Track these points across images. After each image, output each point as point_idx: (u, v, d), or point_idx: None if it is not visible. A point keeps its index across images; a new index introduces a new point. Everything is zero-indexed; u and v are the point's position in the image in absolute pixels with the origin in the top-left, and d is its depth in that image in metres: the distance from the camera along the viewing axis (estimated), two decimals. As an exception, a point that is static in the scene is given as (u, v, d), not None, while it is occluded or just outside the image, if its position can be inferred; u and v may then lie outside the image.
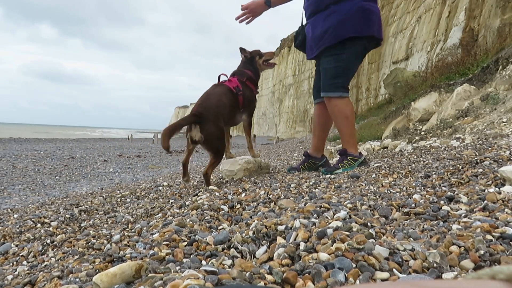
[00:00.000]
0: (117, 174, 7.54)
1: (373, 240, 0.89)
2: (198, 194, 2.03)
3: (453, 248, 0.83)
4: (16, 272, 1.24)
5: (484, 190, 1.34)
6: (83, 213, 2.25)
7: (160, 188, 2.98)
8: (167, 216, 1.63)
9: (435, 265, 0.77)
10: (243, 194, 1.83)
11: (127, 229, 1.55)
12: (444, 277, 0.73)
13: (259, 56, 2.84)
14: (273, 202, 1.55)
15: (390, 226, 1.09)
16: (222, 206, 1.55)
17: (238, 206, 1.57)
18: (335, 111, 2.57)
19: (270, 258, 0.91)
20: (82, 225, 2.02)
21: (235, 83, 2.67)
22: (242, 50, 2.87)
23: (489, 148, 2.28)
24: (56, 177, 6.89)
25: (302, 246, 0.90)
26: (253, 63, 2.82)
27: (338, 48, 2.49)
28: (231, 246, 1.01)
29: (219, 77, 2.75)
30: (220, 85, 2.68)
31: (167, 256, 0.98)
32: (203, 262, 0.93)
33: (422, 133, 5.50)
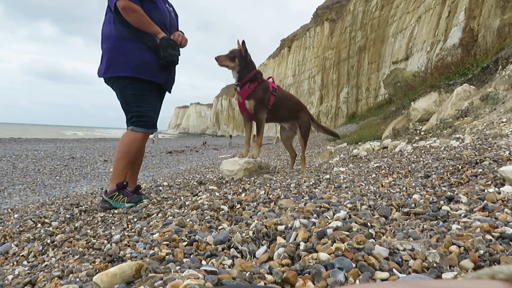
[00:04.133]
0: (117, 174, 7.51)
1: (373, 240, 0.89)
2: (198, 194, 2.03)
3: (453, 248, 0.83)
4: (17, 272, 1.24)
5: (484, 190, 1.34)
6: (83, 213, 2.25)
7: (160, 188, 2.98)
8: (167, 216, 1.63)
9: (435, 265, 0.77)
10: (243, 194, 1.83)
11: (127, 229, 1.55)
12: (444, 277, 0.73)
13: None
14: (273, 202, 1.55)
15: (390, 226, 1.09)
16: (222, 206, 1.55)
17: (238, 206, 1.57)
18: None
19: (270, 258, 0.91)
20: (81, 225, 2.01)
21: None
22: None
23: (489, 148, 2.28)
24: (56, 177, 6.89)
25: (302, 246, 0.90)
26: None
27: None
28: (231, 246, 1.01)
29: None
30: None
31: (167, 256, 0.98)
32: (203, 262, 0.93)
33: (422, 133, 5.51)
